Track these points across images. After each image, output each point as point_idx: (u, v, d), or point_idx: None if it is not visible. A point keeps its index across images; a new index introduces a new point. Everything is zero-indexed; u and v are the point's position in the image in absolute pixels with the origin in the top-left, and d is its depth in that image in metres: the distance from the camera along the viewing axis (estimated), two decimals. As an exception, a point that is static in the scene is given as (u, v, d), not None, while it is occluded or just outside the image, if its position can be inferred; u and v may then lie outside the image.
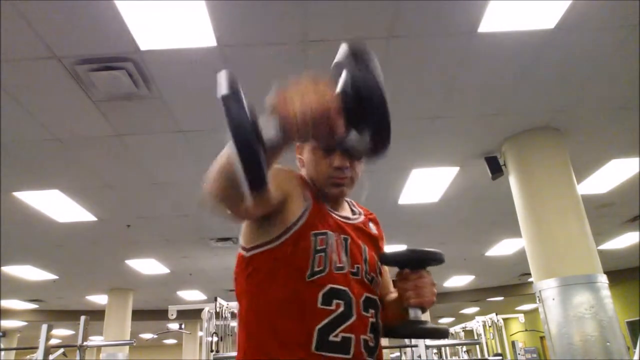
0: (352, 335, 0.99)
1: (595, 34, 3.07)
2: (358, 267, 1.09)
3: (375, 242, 1.20)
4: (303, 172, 1.20)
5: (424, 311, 1.09)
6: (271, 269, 1.03)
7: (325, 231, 1.06)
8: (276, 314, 1.00)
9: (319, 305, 0.99)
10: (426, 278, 1.09)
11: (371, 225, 1.24)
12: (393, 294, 1.19)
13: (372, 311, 1.07)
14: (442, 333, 1.08)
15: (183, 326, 9.39)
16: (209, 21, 2.73)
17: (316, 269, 1.01)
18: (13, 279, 8.33)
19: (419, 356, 4.34)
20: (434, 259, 1.10)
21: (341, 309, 1.00)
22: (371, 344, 1.04)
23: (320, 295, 0.99)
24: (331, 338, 0.97)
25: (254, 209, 0.92)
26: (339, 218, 1.14)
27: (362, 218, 1.22)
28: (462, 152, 4.60)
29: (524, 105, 3.84)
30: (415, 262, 1.10)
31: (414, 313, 1.07)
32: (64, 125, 3.72)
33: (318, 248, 1.03)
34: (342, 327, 0.99)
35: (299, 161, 1.22)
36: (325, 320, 0.98)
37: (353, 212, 1.23)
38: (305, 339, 0.97)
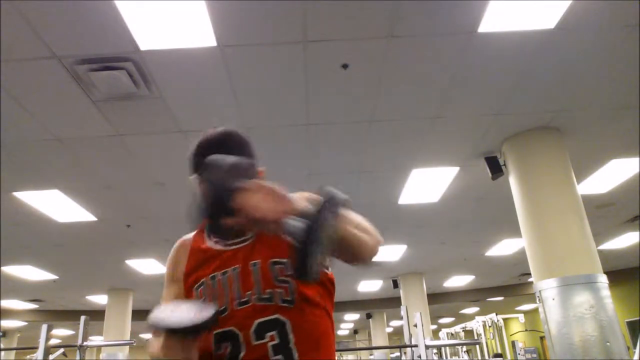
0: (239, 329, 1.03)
1: (595, 34, 3.07)
2: (249, 294, 1.06)
3: (282, 243, 1.02)
4: None
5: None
6: None
7: (203, 281, 1.12)
8: None
9: (214, 352, 1.04)
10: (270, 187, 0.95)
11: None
12: None
13: (271, 334, 1.03)
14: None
15: (183, 326, 9.37)
16: (209, 21, 2.73)
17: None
18: (13, 279, 8.34)
19: (419, 356, 4.34)
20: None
21: (229, 349, 1.03)
22: None
23: (213, 343, 1.05)
24: None
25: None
26: (230, 248, 1.13)
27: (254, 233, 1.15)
28: (462, 152, 4.60)
29: (524, 105, 3.84)
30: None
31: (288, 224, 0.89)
32: (64, 125, 3.72)
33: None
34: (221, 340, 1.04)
35: None
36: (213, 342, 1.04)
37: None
38: None
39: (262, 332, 1.03)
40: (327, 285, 1.16)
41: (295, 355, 1.03)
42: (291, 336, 1.04)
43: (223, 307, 1.06)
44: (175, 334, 0.93)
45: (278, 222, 0.86)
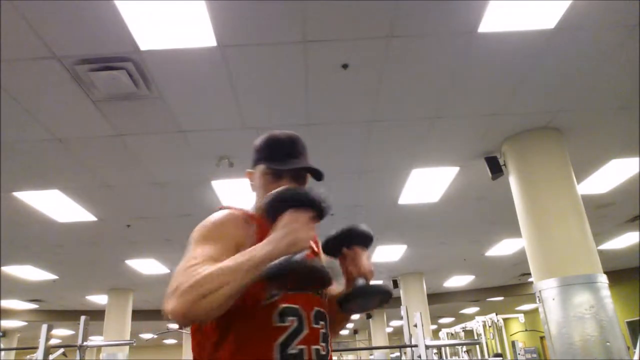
0: (305, 347, 1.09)
1: (595, 34, 3.07)
2: None
3: (317, 253, 1.30)
4: (254, 196, 1.28)
5: (367, 281, 1.21)
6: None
7: None
8: (242, 337, 1.07)
9: (275, 324, 1.08)
10: (361, 252, 1.22)
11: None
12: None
13: (322, 323, 1.16)
14: (386, 290, 1.19)
15: (183, 326, 9.38)
16: (209, 21, 2.73)
17: (273, 292, 1.10)
18: (13, 279, 8.34)
19: (419, 356, 4.34)
20: (360, 235, 1.22)
21: (295, 324, 1.10)
22: (323, 352, 1.13)
23: (275, 315, 1.09)
24: (289, 351, 1.07)
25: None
26: None
27: None
28: (462, 152, 4.60)
29: (524, 105, 3.84)
30: (345, 241, 1.22)
31: (358, 282, 1.19)
32: (64, 125, 3.72)
33: None
34: (297, 340, 1.09)
35: (251, 187, 1.30)
36: (283, 337, 1.07)
37: None
38: (268, 354, 1.06)
39: (318, 319, 1.15)
40: None
41: (328, 347, 1.17)
42: (328, 330, 1.19)
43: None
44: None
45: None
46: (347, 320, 1.37)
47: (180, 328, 9.55)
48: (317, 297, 1.18)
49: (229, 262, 0.96)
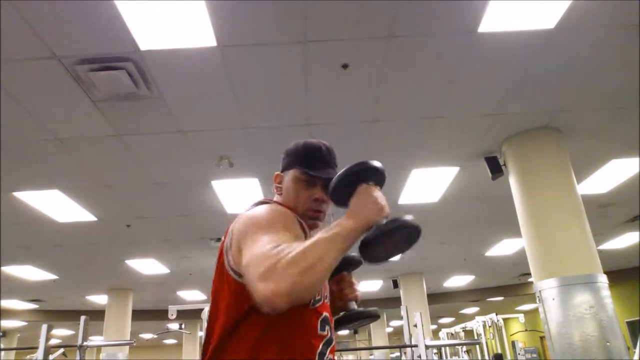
0: (332, 357, 1.12)
1: (595, 34, 3.07)
2: (327, 293, 1.20)
3: None
4: (278, 198, 1.29)
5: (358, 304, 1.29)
6: None
7: None
8: (288, 339, 1.05)
9: (318, 331, 1.08)
10: (352, 277, 1.30)
11: None
12: None
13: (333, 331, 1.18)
14: (374, 314, 1.26)
15: (183, 326, 9.38)
16: (209, 21, 2.73)
17: (316, 297, 1.10)
18: (13, 279, 8.33)
19: (419, 356, 4.34)
20: (352, 263, 1.29)
21: (329, 334, 1.11)
22: None
23: (319, 322, 1.09)
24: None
25: None
26: None
27: None
28: (462, 152, 4.60)
29: (524, 105, 3.84)
30: (345, 266, 1.29)
31: (352, 305, 1.27)
32: (64, 125, 3.72)
33: None
34: (329, 349, 1.10)
35: (277, 189, 1.30)
36: (321, 345, 1.08)
37: None
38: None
39: (335, 329, 1.19)
40: None
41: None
42: None
43: (326, 293, 1.19)
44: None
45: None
46: None
47: (180, 328, 9.56)
48: (328, 303, 1.19)
49: (318, 235, 0.93)
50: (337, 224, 0.97)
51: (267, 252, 0.90)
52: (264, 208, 1.13)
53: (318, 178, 1.21)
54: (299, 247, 0.89)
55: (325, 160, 1.25)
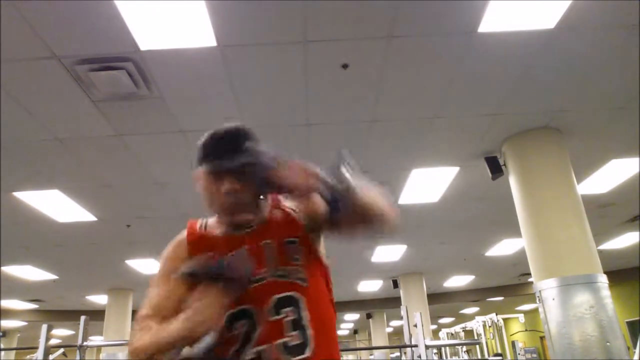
0: (266, 346, 1.03)
1: (595, 34, 3.07)
2: (263, 271, 1.09)
3: (292, 223, 1.18)
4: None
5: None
6: None
7: None
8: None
9: (226, 334, 1.06)
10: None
11: (283, 211, 1.21)
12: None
13: (288, 309, 1.07)
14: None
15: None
16: (209, 21, 2.73)
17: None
18: (13, 279, 8.33)
19: (419, 356, 4.34)
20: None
21: (244, 327, 1.05)
22: (295, 342, 1.04)
23: (226, 324, 1.05)
24: (244, 358, 1.03)
25: None
26: (237, 233, 1.15)
27: (266, 215, 1.19)
28: (462, 152, 4.60)
29: (524, 105, 3.84)
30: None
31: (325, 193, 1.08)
32: (64, 125, 3.72)
33: None
34: (252, 343, 1.04)
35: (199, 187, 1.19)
36: (238, 344, 1.05)
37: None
38: None
39: (280, 308, 1.06)
40: (329, 278, 1.22)
41: (309, 332, 1.06)
42: (305, 313, 1.07)
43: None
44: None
45: (310, 187, 1.02)
46: (359, 216, 1.17)
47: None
48: (283, 281, 1.09)
49: (153, 337, 1.00)
50: (175, 325, 1.00)
51: (138, 320, 1.06)
52: (165, 250, 1.22)
53: (219, 171, 1.10)
54: (140, 341, 1.01)
55: (226, 147, 1.10)
